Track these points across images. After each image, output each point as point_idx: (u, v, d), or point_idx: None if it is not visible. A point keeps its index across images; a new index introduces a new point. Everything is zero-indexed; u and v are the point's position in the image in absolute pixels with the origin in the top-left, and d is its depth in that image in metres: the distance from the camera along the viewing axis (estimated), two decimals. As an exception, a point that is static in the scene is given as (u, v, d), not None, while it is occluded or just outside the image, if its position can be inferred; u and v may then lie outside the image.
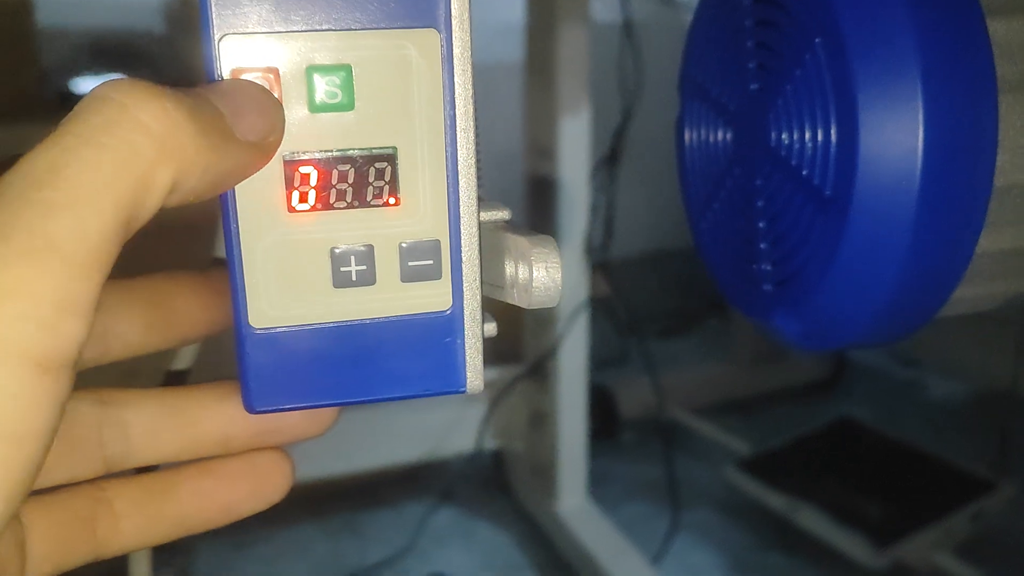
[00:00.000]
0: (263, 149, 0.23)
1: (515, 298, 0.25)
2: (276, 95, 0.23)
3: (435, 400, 1.29)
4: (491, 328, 0.27)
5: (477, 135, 0.26)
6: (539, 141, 1.19)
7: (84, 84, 1.25)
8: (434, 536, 1.29)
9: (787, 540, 1.26)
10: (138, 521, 0.27)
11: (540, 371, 1.30)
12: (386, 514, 1.35)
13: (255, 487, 0.28)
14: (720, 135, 0.36)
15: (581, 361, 1.26)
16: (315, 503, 1.34)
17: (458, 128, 0.25)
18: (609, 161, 1.24)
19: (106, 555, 0.26)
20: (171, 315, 0.27)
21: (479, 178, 0.26)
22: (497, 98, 1.30)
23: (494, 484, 1.44)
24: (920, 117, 0.27)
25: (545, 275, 0.25)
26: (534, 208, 1.23)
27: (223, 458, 0.28)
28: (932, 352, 1.67)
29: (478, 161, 0.26)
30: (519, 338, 1.34)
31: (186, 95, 0.21)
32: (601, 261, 1.31)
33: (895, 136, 0.28)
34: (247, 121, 0.22)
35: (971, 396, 1.66)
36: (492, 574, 1.22)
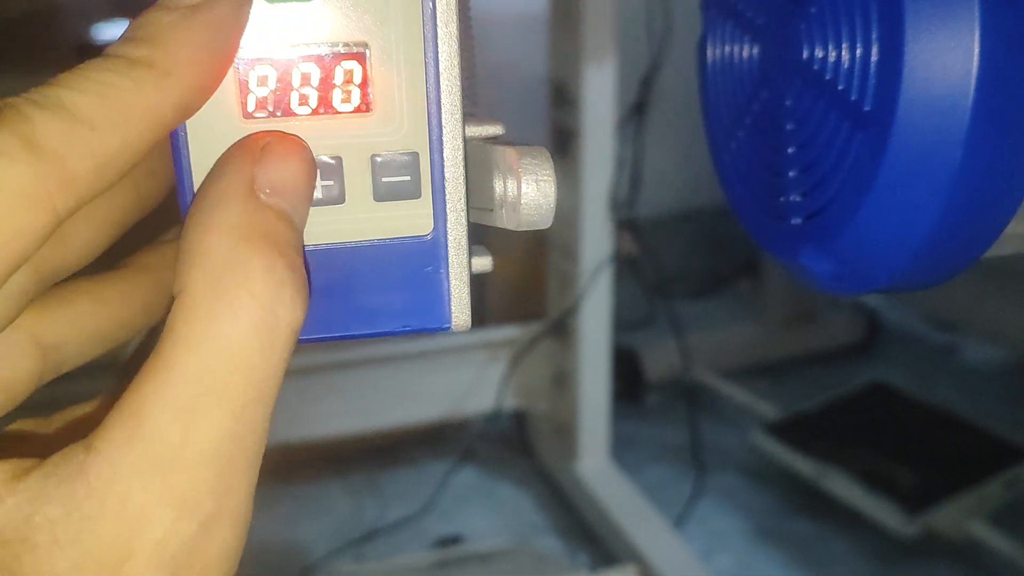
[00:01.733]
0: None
1: (503, 219, 0.22)
2: None
3: (457, 357, 1.28)
4: (484, 262, 0.24)
5: (469, 35, 0.23)
6: (563, 90, 1.15)
7: (101, 32, 1.23)
8: (455, 496, 1.28)
9: (814, 506, 1.23)
10: None
11: (562, 329, 1.27)
12: (407, 473, 1.34)
13: None
14: (746, 53, 0.32)
15: (604, 319, 1.24)
16: (337, 462, 1.34)
17: (439, 21, 0.21)
18: (636, 112, 1.20)
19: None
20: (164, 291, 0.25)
21: (471, 90, 0.23)
22: (519, 46, 1.26)
23: (515, 444, 1.42)
24: (976, 19, 0.24)
25: (535, 189, 0.21)
26: (557, 160, 1.19)
27: None
28: (968, 316, 1.62)
29: (469, 68, 0.23)
30: (541, 295, 1.31)
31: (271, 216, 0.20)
32: (628, 218, 1.27)
33: (946, 41, 0.24)
34: (302, 213, 0.21)
35: (1007, 362, 1.62)
36: (512, 534, 1.20)
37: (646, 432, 1.43)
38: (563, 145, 1.16)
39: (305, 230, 0.22)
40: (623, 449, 1.32)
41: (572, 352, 1.26)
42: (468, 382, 1.33)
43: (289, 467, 1.28)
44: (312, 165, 0.21)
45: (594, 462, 1.28)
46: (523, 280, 1.30)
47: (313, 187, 0.21)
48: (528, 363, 1.33)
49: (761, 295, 1.72)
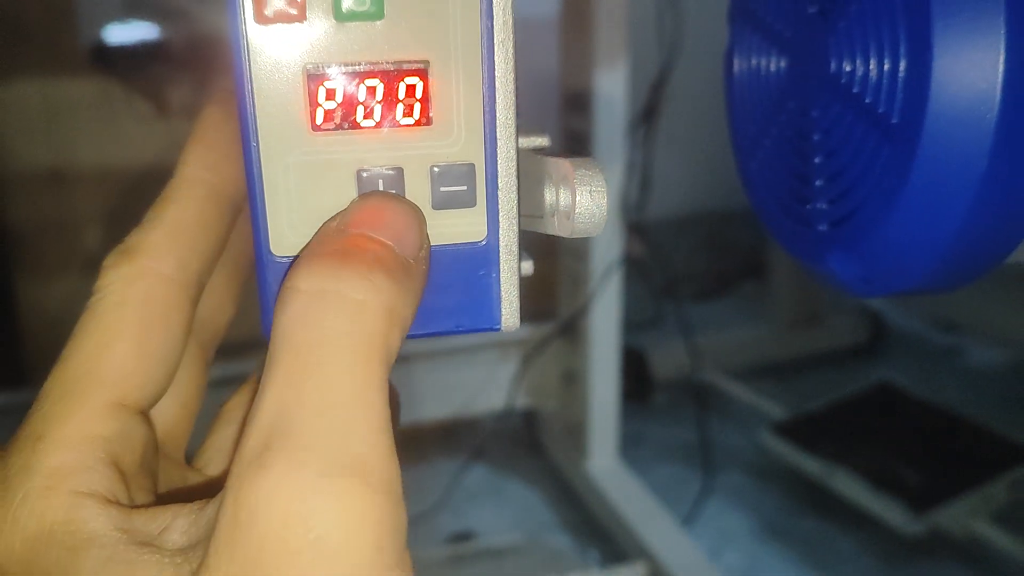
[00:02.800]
0: (426, 259, 0.22)
1: (555, 227, 0.24)
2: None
3: (468, 357, 1.28)
4: (527, 266, 0.25)
5: (516, 54, 0.24)
6: (574, 94, 1.16)
7: (116, 34, 1.24)
8: (466, 493, 1.29)
9: (821, 505, 1.24)
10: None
11: (573, 330, 1.28)
12: (420, 471, 1.35)
13: None
14: (773, 65, 0.34)
15: (614, 320, 1.25)
16: (347, 459, 1.34)
17: (496, 41, 0.23)
18: (646, 116, 1.21)
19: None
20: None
21: (517, 103, 0.24)
22: (531, 51, 1.27)
23: (526, 443, 1.43)
24: (1002, 35, 0.25)
25: (589, 200, 0.23)
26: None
27: None
28: (973, 318, 1.63)
29: (517, 84, 0.24)
30: (552, 296, 1.32)
31: (358, 246, 0.21)
32: (637, 221, 1.28)
33: (973, 56, 0.25)
34: (409, 242, 0.22)
35: (1012, 363, 1.63)
36: (523, 531, 1.21)
37: (654, 431, 1.44)
38: (575, 149, 1.17)
39: None
40: (632, 448, 1.33)
41: (582, 352, 1.27)
42: (480, 381, 1.34)
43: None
44: (409, 205, 0.22)
45: (603, 461, 1.29)
46: (534, 281, 1.31)
47: (415, 224, 0.22)
48: (539, 363, 1.34)
49: (768, 297, 1.73)
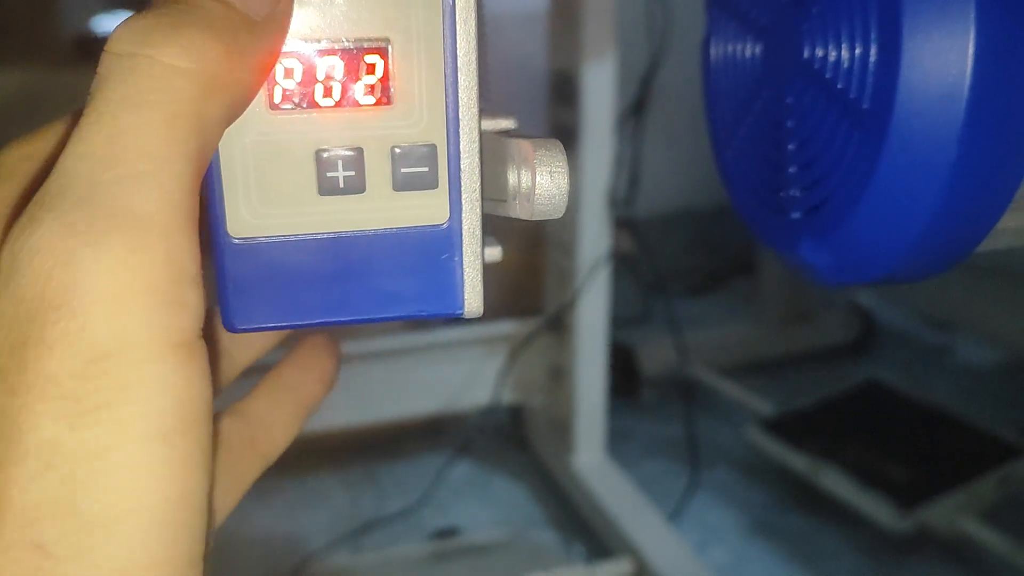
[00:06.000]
0: (281, 20, 0.21)
1: (517, 209, 0.23)
2: None
3: (454, 352, 1.28)
4: (495, 252, 0.25)
5: (484, 34, 0.24)
6: (562, 88, 1.16)
7: (101, 24, 1.23)
8: (451, 489, 1.29)
9: (808, 502, 1.24)
10: (285, 420, 0.29)
11: (559, 325, 1.28)
12: (404, 466, 1.35)
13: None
14: (749, 52, 0.33)
15: (601, 315, 1.24)
16: (334, 454, 1.34)
17: (458, 19, 0.22)
18: (635, 111, 1.21)
19: (271, 462, 0.28)
20: None
21: (485, 85, 0.24)
22: (520, 44, 1.27)
23: (512, 438, 1.43)
24: (971, 21, 0.25)
25: (549, 181, 0.22)
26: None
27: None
28: (962, 316, 1.64)
29: (484, 64, 0.24)
30: (539, 291, 1.32)
31: (190, 7, 0.19)
32: (626, 216, 1.28)
33: (942, 42, 0.25)
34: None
35: (1001, 361, 1.63)
36: (508, 528, 1.21)
37: (642, 427, 1.44)
38: (563, 142, 1.17)
39: (328, 217, 0.23)
40: (619, 444, 1.33)
41: (569, 347, 1.27)
42: (465, 376, 1.34)
43: (287, 460, 1.28)
44: None
45: (590, 456, 1.28)
46: (521, 275, 1.31)
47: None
48: (525, 358, 1.34)
49: (757, 293, 1.73)
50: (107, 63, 0.19)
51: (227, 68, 0.19)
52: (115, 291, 0.17)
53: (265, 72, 0.21)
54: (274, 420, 0.28)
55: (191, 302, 0.18)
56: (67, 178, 0.18)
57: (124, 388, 0.17)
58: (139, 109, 0.18)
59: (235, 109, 0.20)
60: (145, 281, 0.17)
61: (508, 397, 1.38)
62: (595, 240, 1.19)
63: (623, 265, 1.36)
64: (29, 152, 0.23)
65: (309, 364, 0.29)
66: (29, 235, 0.17)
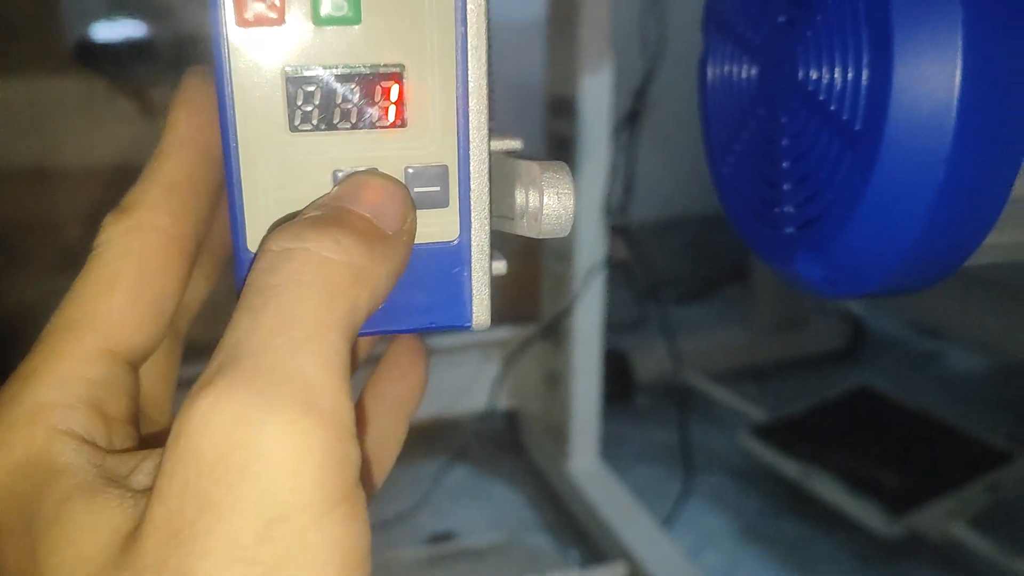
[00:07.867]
0: (409, 233, 0.23)
1: (525, 228, 0.24)
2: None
3: (450, 357, 1.28)
4: (500, 266, 0.26)
5: (491, 59, 0.25)
6: (559, 98, 1.17)
7: (102, 32, 1.24)
8: (447, 493, 1.30)
9: (800, 507, 1.25)
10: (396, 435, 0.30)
11: (555, 331, 1.29)
12: (401, 470, 1.34)
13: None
14: (745, 72, 0.34)
15: (596, 322, 1.25)
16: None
17: (470, 46, 0.23)
18: (630, 120, 1.22)
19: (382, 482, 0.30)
20: None
21: (492, 108, 0.25)
22: (517, 57, 1.28)
23: (507, 444, 1.44)
24: (959, 47, 0.26)
25: (556, 202, 0.23)
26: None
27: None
28: (952, 324, 1.65)
29: (491, 88, 0.25)
30: (535, 297, 1.33)
31: (336, 215, 0.21)
32: (620, 224, 1.29)
33: (931, 67, 0.26)
34: (388, 215, 0.22)
35: (990, 368, 1.65)
36: (503, 532, 1.22)
37: (636, 433, 1.45)
38: (559, 152, 1.18)
39: None
40: (613, 449, 1.34)
41: (564, 354, 1.28)
42: (462, 382, 1.35)
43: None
44: (390, 180, 0.23)
45: (585, 462, 1.29)
46: (517, 283, 1.32)
47: (396, 198, 0.23)
48: (521, 364, 1.35)
49: (750, 300, 1.75)
50: (266, 258, 0.20)
51: (371, 267, 0.21)
52: (292, 452, 0.18)
53: (396, 276, 0.22)
54: (386, 436, 0.29)
55: (352, 455, 0.19)
56: (237, 347, 0.19)
57: (301, 548, 0.18)
58: (300, 288, 0.20)
59: (375, 302, 0.21)
60: (316, 441, 0.18)
61: (504, 402, 1.39)
62: (591, 247, 1.20)
63: (617, 272, 1.37)
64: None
65: (406, 372, 0.30)
66: (205, 398, 0.18)
